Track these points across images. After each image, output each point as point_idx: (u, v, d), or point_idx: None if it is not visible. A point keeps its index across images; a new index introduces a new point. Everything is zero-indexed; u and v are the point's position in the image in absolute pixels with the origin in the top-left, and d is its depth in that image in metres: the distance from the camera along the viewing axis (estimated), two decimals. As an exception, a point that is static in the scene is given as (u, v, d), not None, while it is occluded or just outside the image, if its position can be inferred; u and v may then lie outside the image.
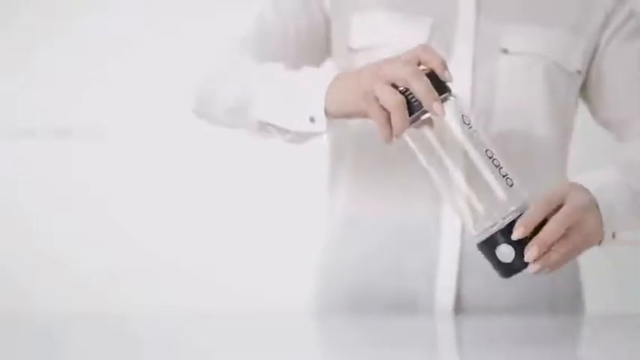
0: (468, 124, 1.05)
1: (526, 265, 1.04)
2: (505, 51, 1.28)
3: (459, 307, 1.27)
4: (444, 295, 1.27)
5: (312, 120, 1.13)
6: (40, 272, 2.30)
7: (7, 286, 2.28)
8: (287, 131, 1.17)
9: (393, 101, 1.04)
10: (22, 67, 2.31)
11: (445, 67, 1.06)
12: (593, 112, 1.39)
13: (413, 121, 1.06)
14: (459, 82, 1.24)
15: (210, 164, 2.29)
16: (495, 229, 1.04)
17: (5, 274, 2.30)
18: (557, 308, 1.30)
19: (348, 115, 1.11)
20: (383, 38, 1.29)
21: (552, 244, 1.05)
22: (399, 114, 1.04)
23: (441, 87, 1.06)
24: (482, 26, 1.28)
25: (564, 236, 1.06)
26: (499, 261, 1.04)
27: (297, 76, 1.18)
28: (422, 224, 1.21)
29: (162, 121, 2.30)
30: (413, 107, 1.05)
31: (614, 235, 1.14)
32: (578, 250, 1.09)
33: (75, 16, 2.30)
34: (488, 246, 1.05)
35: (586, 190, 1.13)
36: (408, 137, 1.07)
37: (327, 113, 1.12)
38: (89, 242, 2.32)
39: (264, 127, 1.19)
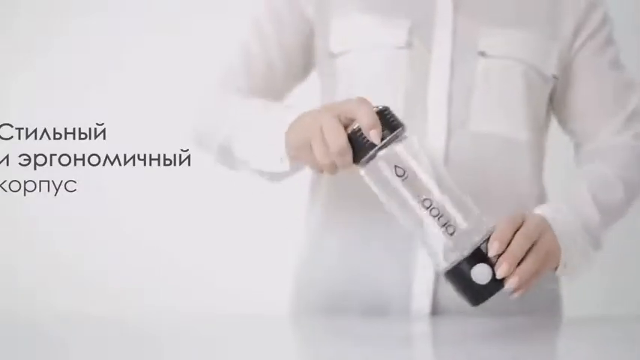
0: (401, 176, 1.06)
1: (500, 286, 1.04)
2: (483, 54, 1.28)
3: (435, 311, 1.27)
4: (421, 300, 1.26)
5: (281, 160, 1.17)
6: (40, 273, 2.30)
7: (7, 287, 2.28)
8: (263, 172, 1.22)
9: (335, 143, 1.06)
10: (22, 68, 2.31)
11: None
12: (559, 120, 1.40)
13: (365, 161, 1.07)
14: (436, 84, 1.24)
15: (207, 166, 2.29)
16: (465, 254, 1.05)
17: (6, 274, 2.30)
18: (534, 310, 1.30)
19: (299, 152, 1.13)
20: (361, 41, 1.30)
21: (520, 259, 1.05)
22: (339, 157, 1.07)
23: (390, 126, 1.06)
24: (460, 29, 1.28)
25: (530, 252, 1.07)
26: (473, 285, 1.04)
27: (270, 117, 1.21)
28: (399, 229, 1.20)
29: (161, 123, 2.29)
30: (362, 147, 1.06)
31: (565, 264, 1.17)
32: (543, 267, 1.09)
33: (75, 17, 2.30)
34: (460, 271, 1.04)
35: (540, 214, 1.14)
36: (367, 178, 1.08)
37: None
38: (89, 243, 2.31)
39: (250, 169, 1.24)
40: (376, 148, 1.05)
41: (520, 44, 1.29)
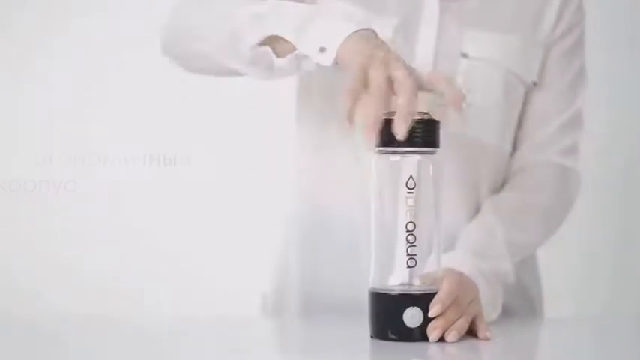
0: (411, 189, 1.05)
1: (425, 338, 1.04)
2: (465, 55, 1.28)
3: None
4: None
5: (322, 50, 1.09)
6: (40, 273, 2.30)
7: (7, 287, 2.28)
8: (289, 54, 1.13)
9: (375, 90, 1.02)
10: (23, 68, 2.31)
11: (402, 120, 1.02)
12: None
13: (385, 152, 1.05)
14: None
15: (207, 166, 2.30)
16: (407, 291, 1.05)
17: (5, 274, 2.30)
18: (514, 311, 1.31)
19: (342, 63, 1.08)
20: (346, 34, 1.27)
21: (449, 306, 1.05)
22: (375, 101, 1.02)
23: (430, 138, 1.04)
24: (445, 29, 1.28)
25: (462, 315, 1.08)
26: (399, 321, 1.04)
27: (318, 7, 1.15)
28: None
29: (161, 123, 2.30)
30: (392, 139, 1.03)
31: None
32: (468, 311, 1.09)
33: (75, 17, 2.30)
34: (396, 302, 1.04)
35: (473, 284, 1.14)
36: (377, 165, 1.06)
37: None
38: (89, 244, 2.31)
39: (258, 55, 1.15)
40: (404, 149, 1.04)
41: (503, 48, 1.29)
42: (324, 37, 1.10)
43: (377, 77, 1.03)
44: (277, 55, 1.15)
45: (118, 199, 2.31)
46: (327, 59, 1.09)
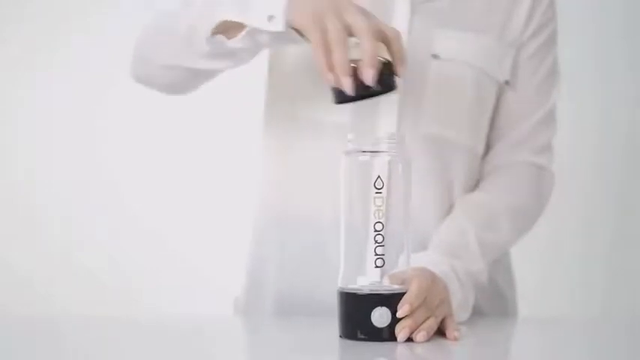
0: (379, 189, 1.05)
1: (393, 337, 1.04)
2: (436, 56, 1.27)
3: None
4: None
5: (270, 18, 1.10)
6: (39, 273, 2.31)
7: (6, 286, 2.30)
8: (241, 37, 1.13)
9: (335, 35, 1.05)
10: (24, 67, 2.32)
11: (402, 64, 1.08)
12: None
13: (352, 151, 1.06)
14: None
15: (209, 166, 2.30)
16: (375, 291, 1.04)
17: (5, 272, 2.32)
18: (484, 312, 1.31)
19: (296, 26, 1.09)
20: None
21: (418, 306, 1.05)
22: (338, 48, 1.05)
23: (387, 82, 1.07)
24: (416, 31, 1.27)
25: (430, 316, 1.07)
26: (367, 321, 1.03)
27: None
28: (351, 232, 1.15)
29: (161, 123, 2.30)
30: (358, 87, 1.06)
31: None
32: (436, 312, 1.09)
33: (76, 17, 2.31)
34: (363, 302, 1.04)
35: (443, 283, 1.13)
36: (345, 168, 1.07)
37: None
38: (89, 243, 2.32)
39: (216, 47, 1.16)
40: (374, 149, 1.04)
41: (473, 49, 1.29)
42: (269, 5, 1.10)
43: (333, 26, 1.05)
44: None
45: (118, 199, 2.32)
46: (277, 25, 1.10)
